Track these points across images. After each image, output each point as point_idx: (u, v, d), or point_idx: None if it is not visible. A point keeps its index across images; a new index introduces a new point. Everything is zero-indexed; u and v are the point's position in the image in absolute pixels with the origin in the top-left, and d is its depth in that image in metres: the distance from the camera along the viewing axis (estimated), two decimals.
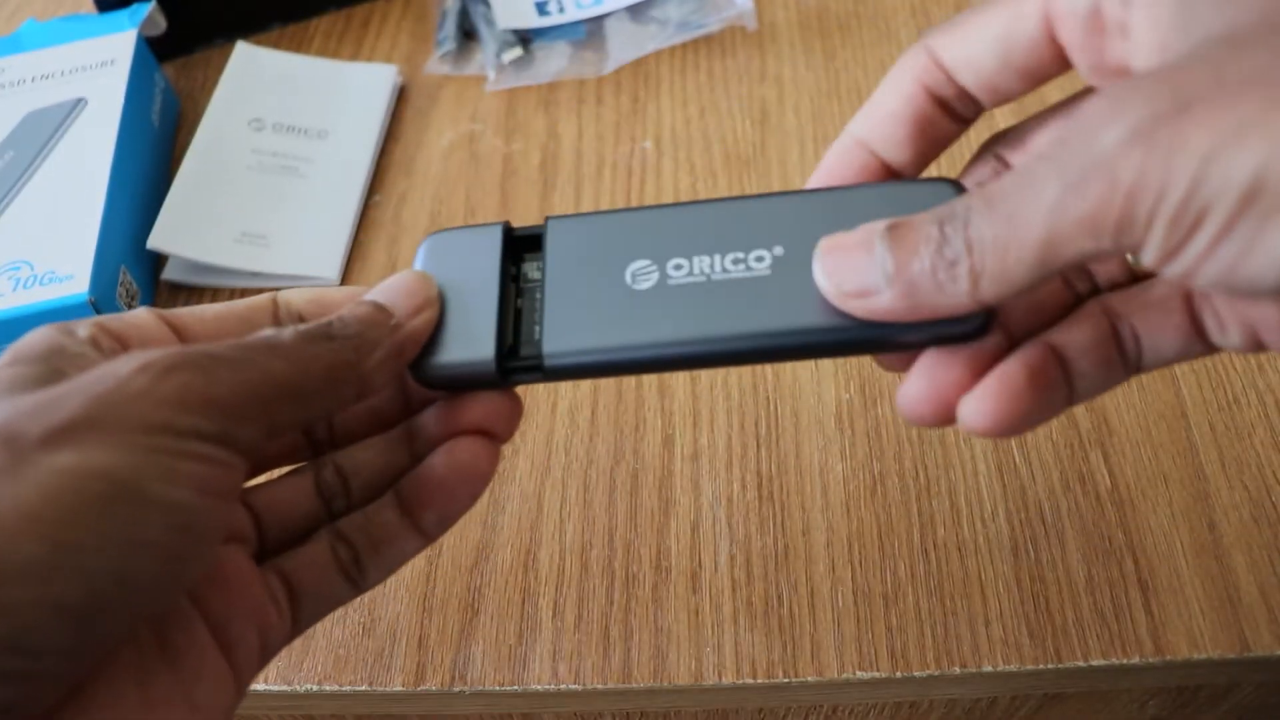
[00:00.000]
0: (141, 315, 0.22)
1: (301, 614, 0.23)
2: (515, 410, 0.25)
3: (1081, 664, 0.31)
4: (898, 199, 0.22)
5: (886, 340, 0.21)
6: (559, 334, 0.23)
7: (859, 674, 0.31)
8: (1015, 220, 0.18)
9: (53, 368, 0.19)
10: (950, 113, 0.24)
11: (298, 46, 0.51)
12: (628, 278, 0.23)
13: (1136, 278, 0.22)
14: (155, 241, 0.42)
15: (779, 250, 0.22)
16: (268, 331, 0.21)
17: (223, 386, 0.19)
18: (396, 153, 0.47)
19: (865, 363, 0.38)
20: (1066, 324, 0.22)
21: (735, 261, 0.22)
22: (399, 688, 0.32)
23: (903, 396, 0.22)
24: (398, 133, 0.47)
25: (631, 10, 0.49)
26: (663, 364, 0.23)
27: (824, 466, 0.35)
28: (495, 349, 0.23)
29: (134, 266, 0.41)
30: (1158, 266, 0.18)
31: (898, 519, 0.34)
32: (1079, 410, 0.36)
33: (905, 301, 0.20)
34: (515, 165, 0.46)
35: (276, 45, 0.50)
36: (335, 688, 0.32)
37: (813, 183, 0.25)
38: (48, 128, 0.43)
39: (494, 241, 0.25)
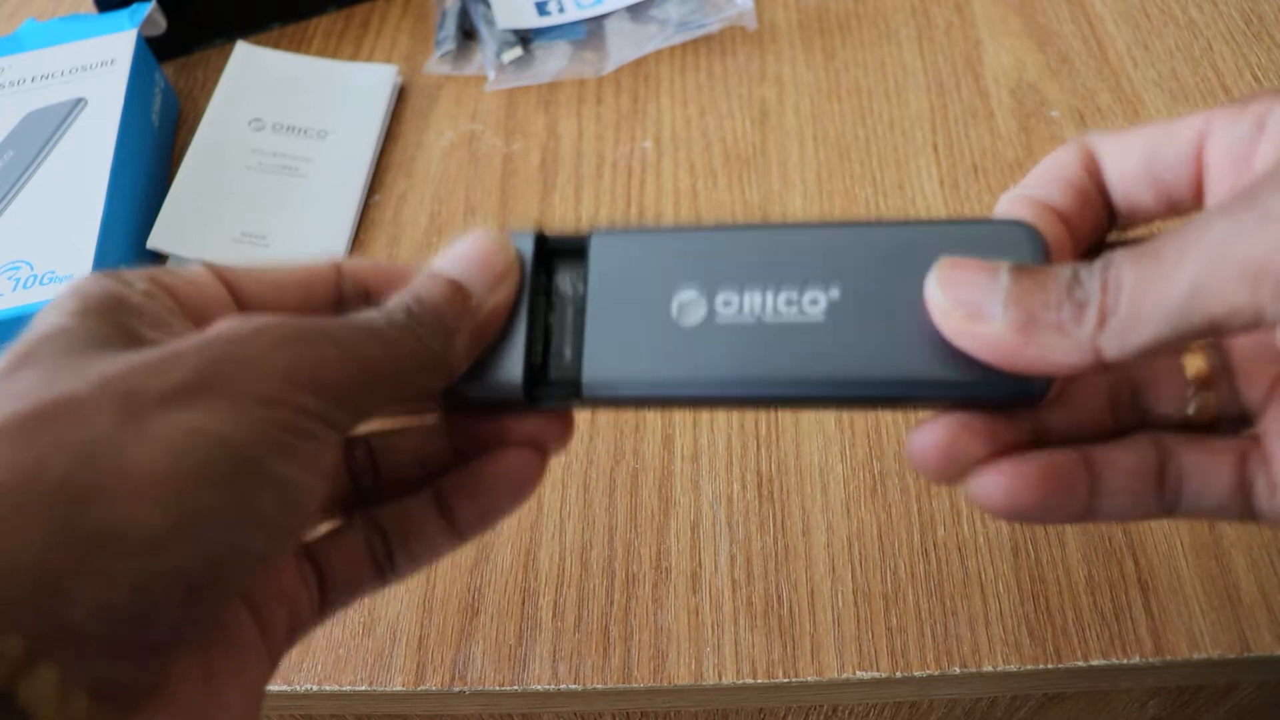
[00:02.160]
0: (198, 272, 0.21)
1: (329, 600, 0.23)
2: (566, 427, 0.24)
3: (1081, 664, 0.31)
4: (967, 238, 0.21)
5: (940, 397, 0.21)
6: (600, 364, 0.22)
7: (859, 674, 0.31)
8: (1165, 261, 0.17)
9: (122, 322, 0.18)
10: (1103, 205, 0.23)
11: (297, 46, 0.51)
12: (674, 310, 0.22)
13: (1192, 426, 0.22)
14: (155, 241, 0.42)
15: (835, 293, 0.21)
16: (365, 314, 0.20)
17: (331, 366, 0.18)
18: (396, 152, 0.47)
19: None
20: (1114, 444, 0.21)
21: (788, 303, 0.21)
22: (399, 688, 0.32)
23: (918, 442, 0.21)
24: (397, 132, 0.47)
25: (631, 10, 0.49)
26: (704, 404, 0.22)
27: (824, 466, 0.35)
28: (524, 374, 0.22)
29: (134, 267, 0.41)
30: None
31: (898, 519, 0.34)
32: None
33: (1018, 335, 0.18)
34: (515, 165, 0.46)
35: (276, 45, 0.50)
36: (335, 688, 0.32)
37: None
38: (48, 128, 0.43)
39: (524, 251, 0.23)
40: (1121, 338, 0.18)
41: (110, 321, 0.18)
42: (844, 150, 0.44)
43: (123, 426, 0.16)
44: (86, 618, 0.15)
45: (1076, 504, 0.21)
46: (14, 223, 0.40)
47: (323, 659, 0.33)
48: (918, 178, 0.43)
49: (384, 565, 0.23)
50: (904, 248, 0.21)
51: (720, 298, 0.21)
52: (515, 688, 0.32)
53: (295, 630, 0.22)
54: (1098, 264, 0.18)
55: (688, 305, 0.22)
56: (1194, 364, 0.22)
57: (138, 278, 0.20)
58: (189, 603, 0.16)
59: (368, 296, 0.23)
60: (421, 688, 0.32)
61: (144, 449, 0.15)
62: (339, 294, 0.23)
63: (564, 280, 0.23)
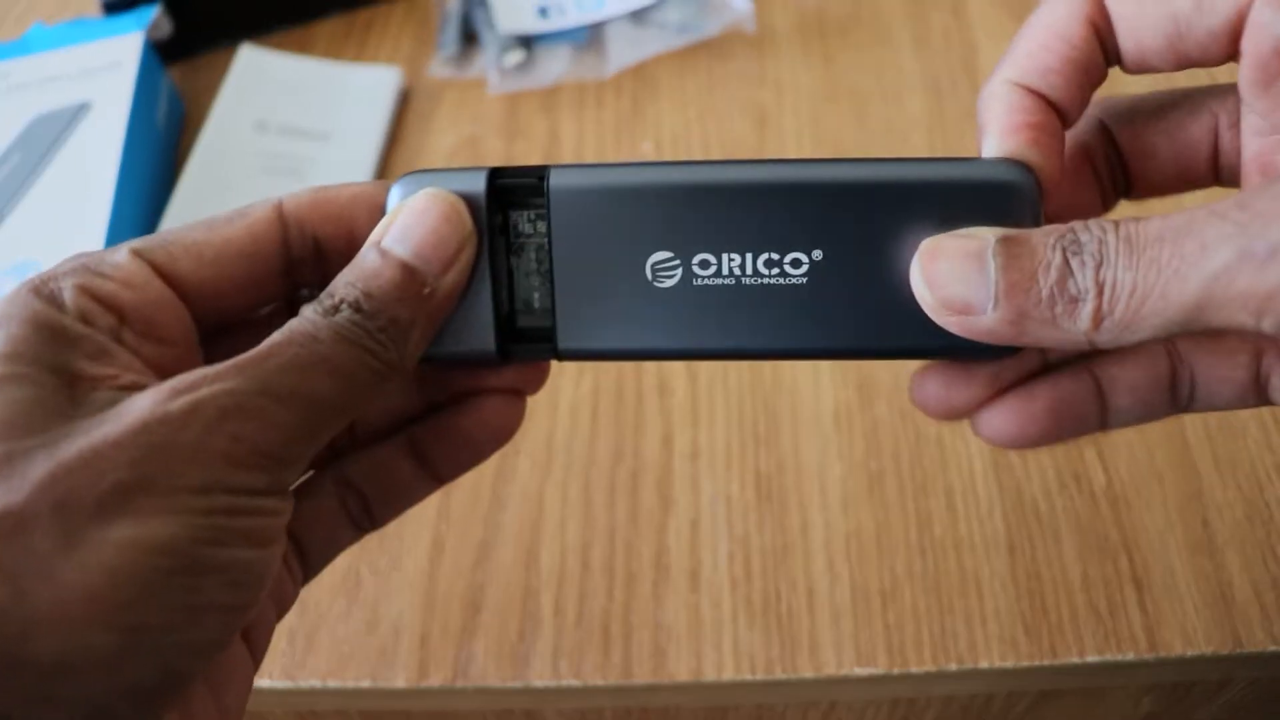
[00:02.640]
0: (129, 269, 0.19)
1: (309, 567, 0.23)
2: (542, 373, 0.24)
3: (1077, 660, 0.31)
4: (956, 188, 0.20)
5: (915, 353, 0.21)
6: (575, 326, 0.21)
7: (856, 671, 0.32)
8: (1165, 273, 0.17)
9: (60, 363, 0.17)
10: (1106, 59, 0.21)
11: (301, 49, 0.51)
12: (648, 272, 0.21)
13: None
14: None
15: (817, 254, 0.20)
16: (306, 324, 0.19)
17: (273, 430, 0.17)
18: (399, 155, 0.47)
19: (863, 364, 0.38)
20: (1123, 358, 0.21)
21: (769, 264, 0.20)
22: (402, 684, 0.32)
23: (918, 391, 0.21)
24: (400, 135, 0.48)
25: (632, 14, 0.50)
26: (681, 358, 0.22)
27: (822, 465, 0.36)
28: (495, 332, 0.21)
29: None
30: None
31: (895, 517, 0.34)
32: None
33: (1011, 329, 0.18)
34: None
35: (280, 48, 0.50)
36: (339, 684, 0.33)
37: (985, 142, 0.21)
38: (54, 130, 0.43)
39: (477, 191, 0.21)
40: (1116, 335, 0.18)
41: (47, 367, 0.17)
42: (842, 152, 0.45)
43: (59, 549, 0.15)
44: None
45: (1088, 425, 0.21)
46: (21, 224, 0.41)
47: (326, 656, 0.33)
48: None
49: (362, 522, 0.23)
50: (892, 203, 0.20)
51: (697, 259, 0.21)
52: (517, 684, 0.32)
53: (282, 610, 0.22)
54: (1087, 254, 0.18)
55: (663, 268, 0.21)
56: None
57: (71, 295, 0.18)
58: (149, 706, 0.16)
59: (317, 247, 0.21)
60: (424, 684, 0.32)
61: (81, 573, 0.15)
62: (286, 250, 0.21)
63: (522, 220, 0.21)
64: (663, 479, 0.36)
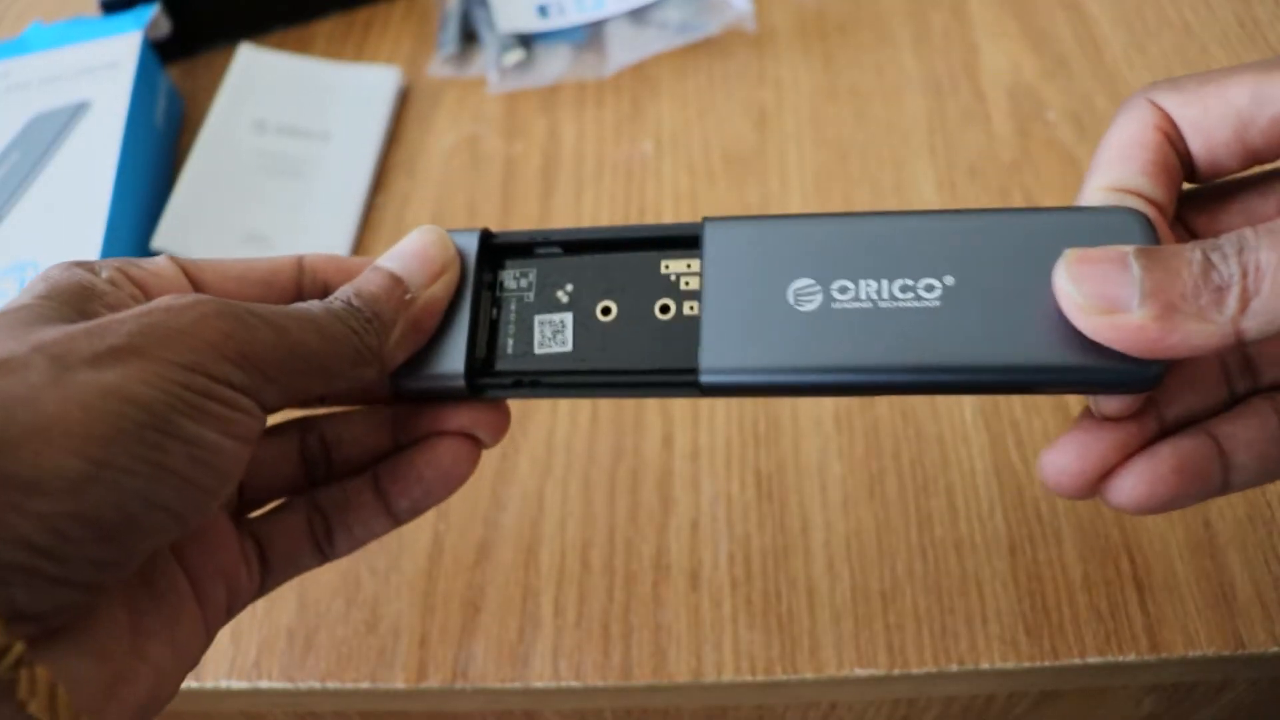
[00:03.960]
0: (162, 264, 0.23)
1: (269, 577, 0.24)
2: (501, 420, 0.25)
3: (1078, 661, 0.31)
4: (1078, 226, 0.21)
5: (1058, 383, 0.21)
6: (717, 350, 0.22)
7: (857, 671, 0.31)
8: None
9: (83, 306, 0.20)
10: (1180, 164, 0.22)
11: (301, 49, 0.51)
12: (790, 297, 0.22)
13: None
14: (159, 242, 0.42)
15: (949, 280, 0.21)
16: (306, 304, 0.22)
17: (260, 345, 0.20)
18: (399, 155, 0.47)
19: None
20: (1232, 417, 0.22)
21: (904, 289, 0.21)
22: (401, 685, 0.32)
23: (1049, 466, 0.22)
24: (400, 135, 0.48)
25: (632, 13, 0.50)
26: (822, 390, 0.22)
27: (822, 465, 0.36)
28: (465, 364, 0.23)
29: None
30: None
31: (895, 517, 0.34)
32: (1075, 409, 0.36)
33: (1160, 324, 0.19)
34: (516, 167, 0.46)
35: (280, 47, 0.50)
36: (338, 685, 0.32)
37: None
38: (53, 130, 0.43)
39: (469, 249, 0.24)
40: (1265, 319, 0.18)
41: (70, 304, 0.20)
42: (842, 152, 0.45)
43: (48, 383, 0.17)
44: (4, 548, 0.16)
45: (1213, 485, 0.21)
46: (20, 224, 0.40)
47: (325, 657, 0.33)
48: (915, 180, 0.43)
49: (324, 546, 0.25)
50: (1017, 236, 0.21)
51: (836, 285, 0.22)
52: (517, 685, 0.32)
53: (234, 606, 0.23)
54: (1228, 246, 0.18)
55: (804, 293, 0.22)
56: None
57: (105, 266, 0.22)
58: (102, 544, 0.17)
59: (326, 293, 0.24)
60: (423, 685, 0.32)
61: (62, 404, 0.17)
62: (298, 290, 0.24)
63: (509, 277, 0.24)
64: (663, 479, 0.36)
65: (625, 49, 0.49)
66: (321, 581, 0.34)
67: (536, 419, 0.38)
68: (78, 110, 0.44)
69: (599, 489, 0.36)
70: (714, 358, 0.22)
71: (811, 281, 0.22)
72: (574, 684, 0.32)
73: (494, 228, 0.44)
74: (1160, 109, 0.22)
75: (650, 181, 0.45)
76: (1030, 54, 0.47)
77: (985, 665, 0.31)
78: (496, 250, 0.25)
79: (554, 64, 0.49)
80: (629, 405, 0.38)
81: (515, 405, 0.38)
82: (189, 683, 0.33)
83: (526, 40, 0.49)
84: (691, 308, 0.23)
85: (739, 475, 0.36)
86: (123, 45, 0.46)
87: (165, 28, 0.49)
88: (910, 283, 0.21)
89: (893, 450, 0.36)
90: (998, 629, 0.32)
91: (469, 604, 0.34)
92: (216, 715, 0.38)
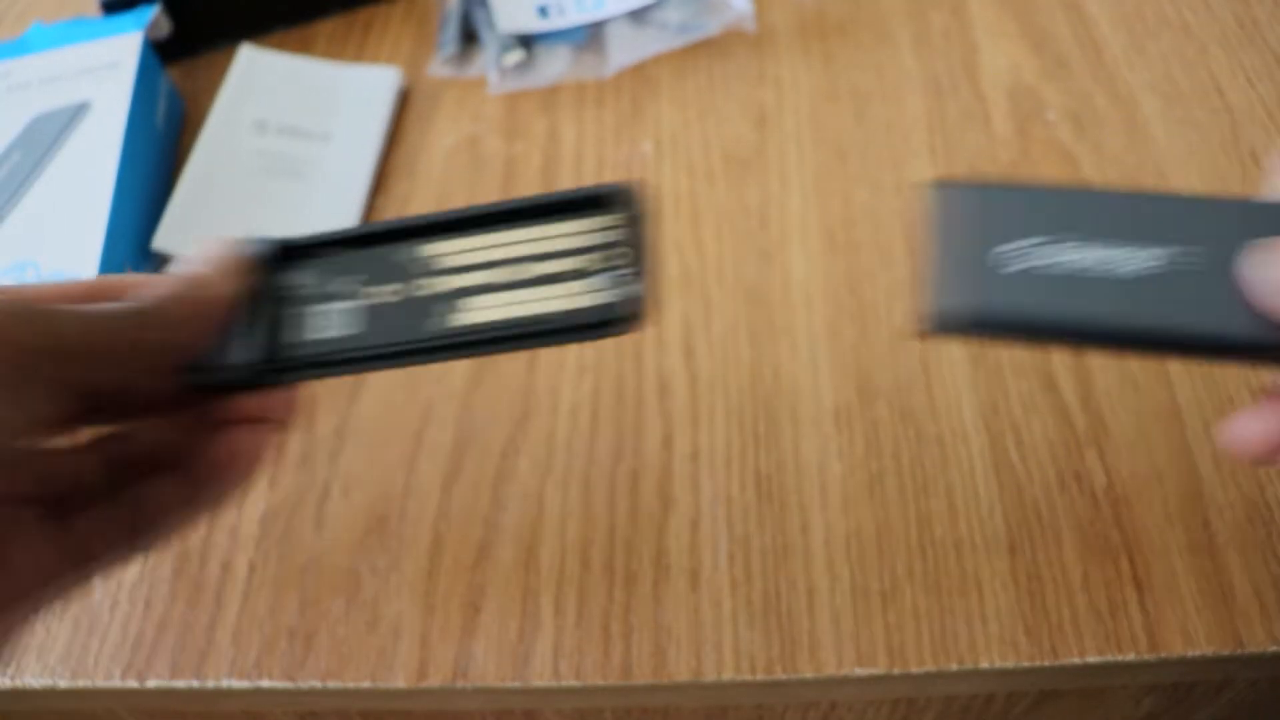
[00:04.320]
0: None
1: (80, 567, 0.25)
2: (290, 404, 0.27)
3: (1077, 661, 0.31)
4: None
5: (1252, 356, 0.23)
6: (949, 294, 0.24)
7: (857, 671, 0.31)
8: None
9: None
10: None
11: (301, 49, 0.51)
12: (1014, 251, 0.24)
13: None
14: (160, 243, 0.42)
15: (1170, 252, 0.23)
16: (117, 304, 0.23)
17: (12, 330, 0.21)
18: (399, 155, 0.47)
19: (861, 363, 0.38)
20: None
21: (1128, 258, 0.23)
22: (401, 684, 0.32)
23: (1235, 434, 0.24)
24: (400, 135, 0.48)
25: (632, 14, 0.50)
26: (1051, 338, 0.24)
27: (822, 465, 0.36)
28: (249, 357, 0.26)
29: (139, 267, 0.42)
30: None
31: (895, 517, 0.34)
32: (1075, 409, 0.36)
33: None
34: (517, 167, 0.46)
35: (280, 48, 0.50)
36: (338, 684, 0.33)
37: None
38: (54, 130, 0.43)
39: (261, 252, 0.27)
40: None
41: None
42: (842, 153, 0.45)
43: None
44: None
45: None
46: (21, 224, 0.41)
47: (325, 656, 0.33)
48: (915, 180, 0.43)
49: (137, 541, 0.26)
50: (1234, 220, 0.23)
51: (1069, 243, 0.24)
52: (517, 684, 0.32)
53: (47, 584, 0.24)
54: None
55: (1031, 249, 0.24)
56: None
57: None
58: None
59: None
60: (424, 684, 0.32)
61: None
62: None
63: (296, 277, 0.27)
64: (663, 479, 0.36)
65: (625, 49, 0.49)
66: (321, 581, 0.35)
67: (537, 419, 0.38)
68: (78, 111, 0.44)
69: (599, 489, 0.36)
70: (944, 300, 0.24)
71: (1044, 239, 0.24)
72: (574, 683, 0.32)
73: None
74: None
75: (650, 181, 0.45)
76: (1030, 54, 0.47)
77: (985, 665, 0.31)
78: (287, 254, 0.28)
79: (554, 64, 0.49)
80: (629, 406, 0.38)
81: (519, 408, 0.38)
82: (190, 682, 0.33)
83: (526, 41, 0.50)
84: (446, 284, 0.26)
85: (739, 475, 0.36)
86: (123, 46, 0.46)
87: (166, 28, 0.49)
88: (1135, 252, 0.23)
89: (892, 450, 0.36)
90: (997, 629, 0.32)
91: (469, 604, 0.34)
92: (217, 715, 0.38)
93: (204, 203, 0.44)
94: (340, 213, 0.44)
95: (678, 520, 0.35)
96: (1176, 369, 0.37)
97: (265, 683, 0.33)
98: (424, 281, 0.26)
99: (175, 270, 0.26)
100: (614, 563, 0.34)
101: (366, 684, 0.32)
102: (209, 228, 0.43)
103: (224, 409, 0.27)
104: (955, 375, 0.37)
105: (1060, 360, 0.37)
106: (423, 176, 0.46)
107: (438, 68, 0.50)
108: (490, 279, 0.26)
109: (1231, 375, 0.36)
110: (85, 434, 0.27)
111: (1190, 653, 0.31)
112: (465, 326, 0.25)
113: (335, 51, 0.51)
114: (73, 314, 0.23)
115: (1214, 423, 0.35)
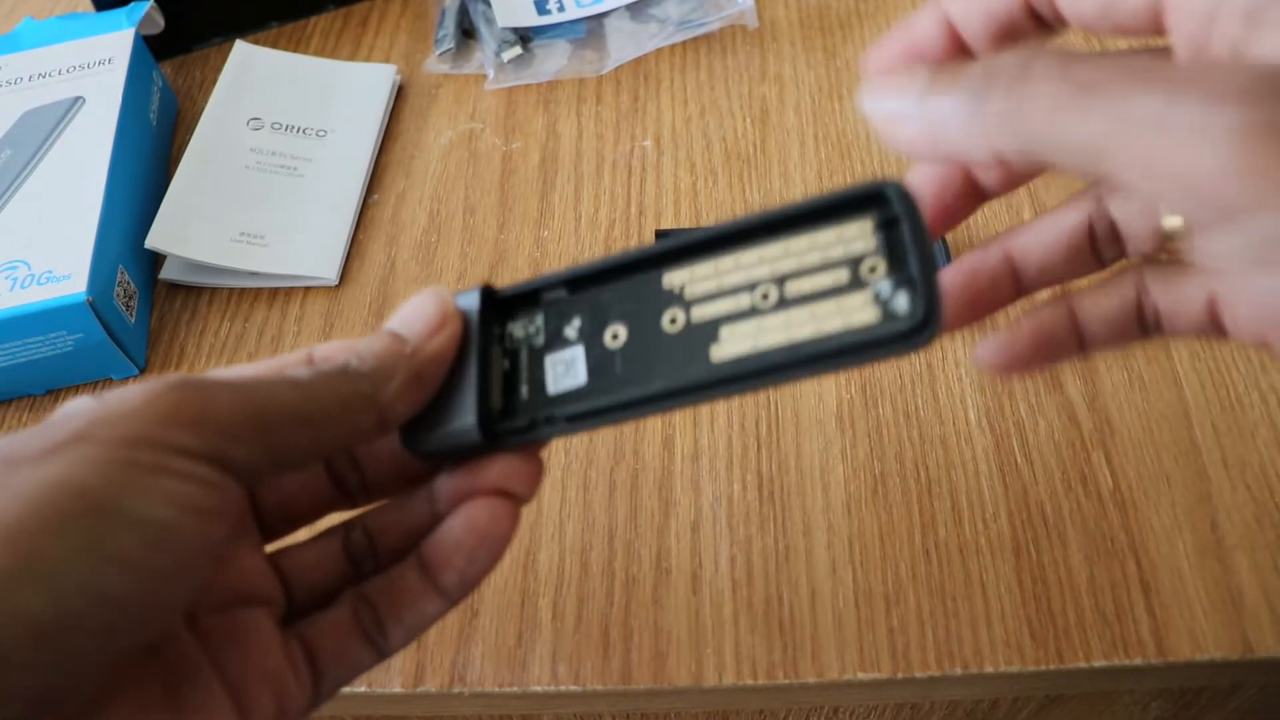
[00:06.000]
0: None
1: (323, 682, 0.23)
2: (532, 469, 0.24)
3: (1083, 665, 0.31)
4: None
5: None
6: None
7: (860, 675, 0.31)
8: (1082, 95, 0.17)
9: None
10: (1034, 21, 0.23)
11: (296, 45, 0.51)
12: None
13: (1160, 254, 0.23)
14: (153, 241, 0.41)
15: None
16: (291, 368, 0.21)
17: (219, 405, 0.19)
18: (395, 151, 0.47)
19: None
20: (1097, 290, 0.23)
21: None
22: (398, 689, 0.32)
23: (984, 354, 0.24)
24: (396, 131, 0.47)
25: (631, 9, 0.49)
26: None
27: (825, 467, 0.35)
28: (478, 415, 0.23)
29: (132, 266, 0.41)
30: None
31: (899, 520, 0.34)
32: (1081, 410, 0.36)
33: (929, 120, 0.19)
34: (515, 164, 0.45)
35: (275, 44, 0.50)
36: None
37: (886, 45, 0.23)
38: (45, 126, 0.43)
39: (472, 307, 0.24)
40: (1030, 133, 0.18)
41: None
42: (845, 149, 0.44)
43: None
44: None
45: (1067, 351, 0.23)
46: (11, 222, 0.40)
47: None
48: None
49: (376, 638, 0.23)
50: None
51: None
52: (515, 689, 0.32)
53: (286, 713, 0.22)
54: (1011, 60, 0.19)
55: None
56: (1170, 221, 0.23)
57: None
58: (41, 646, 0.16)
59: None
60: (421, 689, 0.32)
61: (2, 498, 0.16)
62: None
63: (518, 327, 0.24)
64: (663, 480, 0.35)
65: (625, 44, 0.48)
66: None
67: None
68: (70, 107, 0.43)
69: (598, 491, 0.35)
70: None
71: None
72: (573, 688, 0.31)
73: (493, 226, 0.44)
74: None
75: (650, 178, 0.44)
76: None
77: (989, 669, 0.31)
78: (501, 304, 0.25)
79: (553, 60, 0.49)
80: None
81: None
82: None
83: (525, 35, 0.49)
84: (700, 314, 0.22)
85: (740, 477, 0.35)
86: (116, 41, 0.45)
87: (159, 23, 0.48)
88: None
89: (896, 452, 0.35)
90: (1002, 632, 0.31)
91: (466, 607, 0.33)
92: None
93: (198, 200, 0.43)
94: (336, 210, 0.44)
95: (678, 522, 0.35)
96: (1185, 369, 0.36)
97: None
98: (673, 313, 0.23)
99: (385, 326, 0.23)
100: (613, 565, 0.34)
101: (362, 689, 0.32)
102: (203, 226, 0.43)
103: (462, 481, 0.23)
104: (960, 375, 0.37)
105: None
106: (419, 173, 0.46)
107: (434, 63, 0.49)
108: (750, 303, 0.22)
109: (1239, 376, 0.36)
110: (326, 522, 0.25)
111: (1198, 657, 0.30)
112: (739, 359, 0.21)
113: (330, 47, 0.51)
114: (278, 379, 0.20)
115: (1222, 424, 0.35)
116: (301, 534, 0.25)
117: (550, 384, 0.23)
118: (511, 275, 0.42)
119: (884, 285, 0.20)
